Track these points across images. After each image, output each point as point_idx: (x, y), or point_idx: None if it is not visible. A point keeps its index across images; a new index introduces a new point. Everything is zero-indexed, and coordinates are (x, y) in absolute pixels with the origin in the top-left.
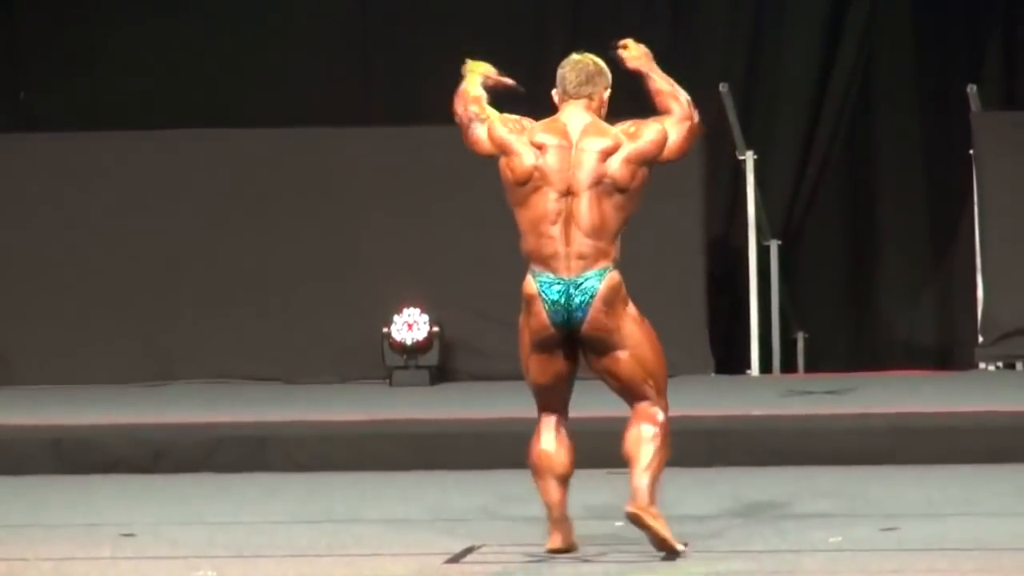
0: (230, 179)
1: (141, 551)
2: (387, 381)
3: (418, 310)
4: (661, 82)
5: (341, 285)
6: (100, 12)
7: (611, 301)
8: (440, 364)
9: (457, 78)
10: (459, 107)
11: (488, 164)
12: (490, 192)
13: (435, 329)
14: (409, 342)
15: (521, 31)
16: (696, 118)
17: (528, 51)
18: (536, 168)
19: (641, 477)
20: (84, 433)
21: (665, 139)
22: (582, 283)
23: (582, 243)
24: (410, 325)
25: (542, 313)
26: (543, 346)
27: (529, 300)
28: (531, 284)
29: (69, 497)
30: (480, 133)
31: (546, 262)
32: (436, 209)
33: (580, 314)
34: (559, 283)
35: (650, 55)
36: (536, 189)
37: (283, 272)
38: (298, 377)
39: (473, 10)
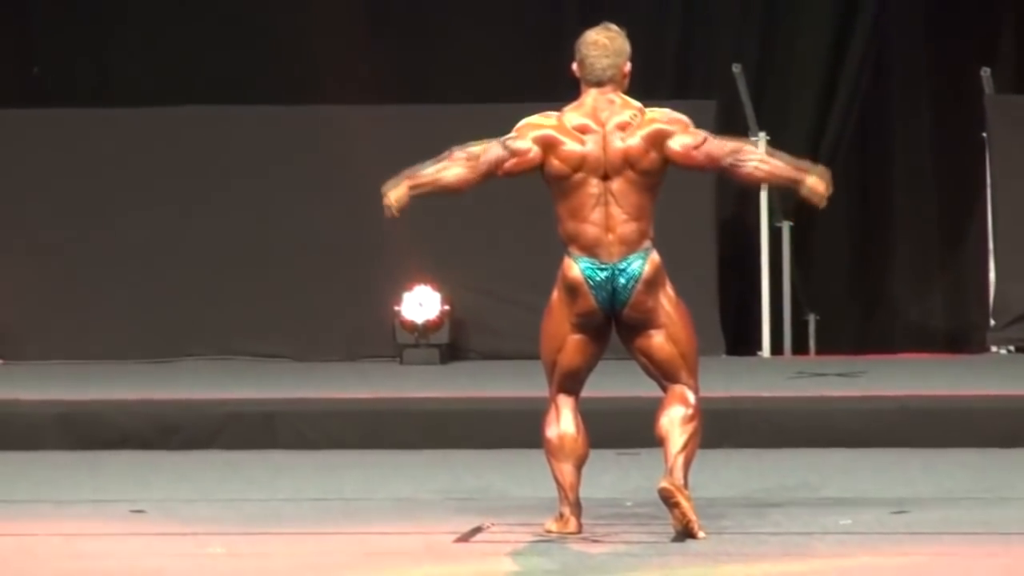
0: (241, 156)
1: (151, 528)
2: (397, 359)
3: (429, 288)
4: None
5: (352, 263)
6: None
7: (653, 282)
8: (451, 343)
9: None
10: (468, 164)
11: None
12: None
13: (446, 308)
14: (420, 320)
15: (534, 7)
16: (726, 163)
17: (541, 28)
18: (585, 155)
19: (676, 458)
20: (93, 409)
21: (687, 130)
22: (626, 266)
23: (623, 227)
24: (421, 303)
25: (589, 296)
26: (586, 328)
27: (574, 284)
28: (574, 268)
29: (78, 473)
30: (519, 144)
31: (589, 249)
32: None
33: (624, 296)
34: (604, 268)
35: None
36: (582, 177)
37: (294, 249)
38: (308, 355)
39: None
